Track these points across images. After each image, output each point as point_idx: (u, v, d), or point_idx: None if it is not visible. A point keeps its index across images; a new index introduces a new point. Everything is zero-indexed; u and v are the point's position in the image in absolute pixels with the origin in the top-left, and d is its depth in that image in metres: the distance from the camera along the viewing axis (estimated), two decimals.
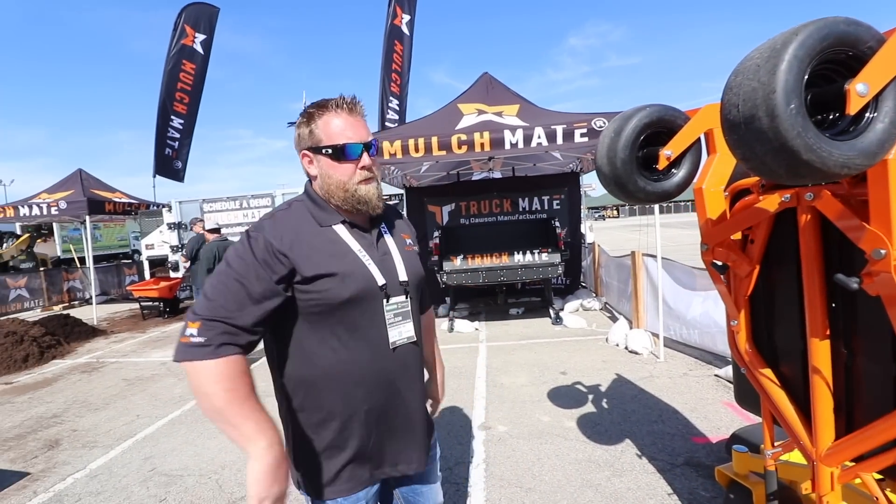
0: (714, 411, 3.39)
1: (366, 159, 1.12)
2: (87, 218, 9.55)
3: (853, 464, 1.37)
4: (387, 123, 10.88)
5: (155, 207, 11.16)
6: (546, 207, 8.09)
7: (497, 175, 8.86)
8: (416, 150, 5.33)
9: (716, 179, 1.49)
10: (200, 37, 10.46)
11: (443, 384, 1.53)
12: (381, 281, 1.12)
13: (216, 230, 6.17)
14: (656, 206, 4.57)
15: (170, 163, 10.74)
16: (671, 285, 4.83)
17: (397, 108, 11.42)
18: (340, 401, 1.10)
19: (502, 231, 7.61)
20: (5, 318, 8.43)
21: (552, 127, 5.21)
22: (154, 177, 10.74)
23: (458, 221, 8.09)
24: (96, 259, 11.64)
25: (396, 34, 11.05)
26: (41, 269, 12.78)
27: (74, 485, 3.04)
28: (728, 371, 3.92)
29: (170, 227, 10.41)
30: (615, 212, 73.05)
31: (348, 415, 1.10)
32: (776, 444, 1.70)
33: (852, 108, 0.91)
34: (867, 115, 0.93)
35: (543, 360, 4.93)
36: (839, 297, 1.34)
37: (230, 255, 1.05)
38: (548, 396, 3.92)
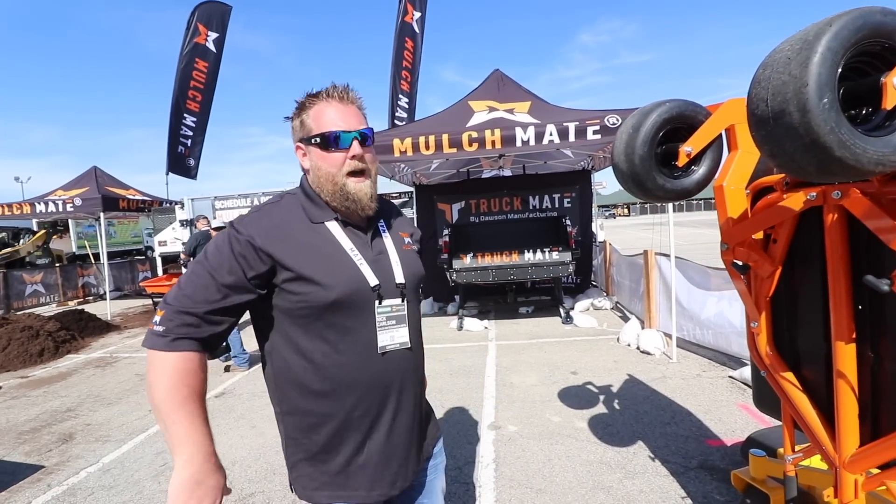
0: (728, 413, 3.33)
1: (356, 148, 1.05)
2: (102, 215, 9.68)
3: (878, 471, 1.32)
4: (395, 122, 10.87)
5: (168, 204, 11.28)
6: (557, 205, 8.02)
7: (507, 173, 8.81)
8: (427, 147, 5.31)
9: (737, 177, 1.45)
10: (213, 35, 10.53)
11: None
12: (373, 282, 1.06)
13: (222, 228, 6.27)
14: (670, 205, 4.50)
15: (182, 160, 10.84)
16: (685, 285, 4.76)
17: (406, 106, 11.40)
18: (331, 406, 1.05)
19: (512, 229, 7.56)
20: (21, 312, 8.59)
21: (564, 124, 5.15)
22: (167, 174, 10.86)
23: (468, 219, 8.06)
24: (110, 255, 11.78)
25: (407, 31, 11.02)
26: (57, 264, 12.98)
27: (87, 479, 3.07)
28: (743, 373, 3.86)
29: (182, 224, 10.51)
30: (626, 210, 72.49)
31: (339, 420, 1.06)
32: (796, 448, 1.66)
33: (889, 102, 0.87)
34: None
35: (553, 359, 4.89)
36: (866, 299, 1.30)
37: (210, 245, 1.03)
38: (558, 396, 3.88)
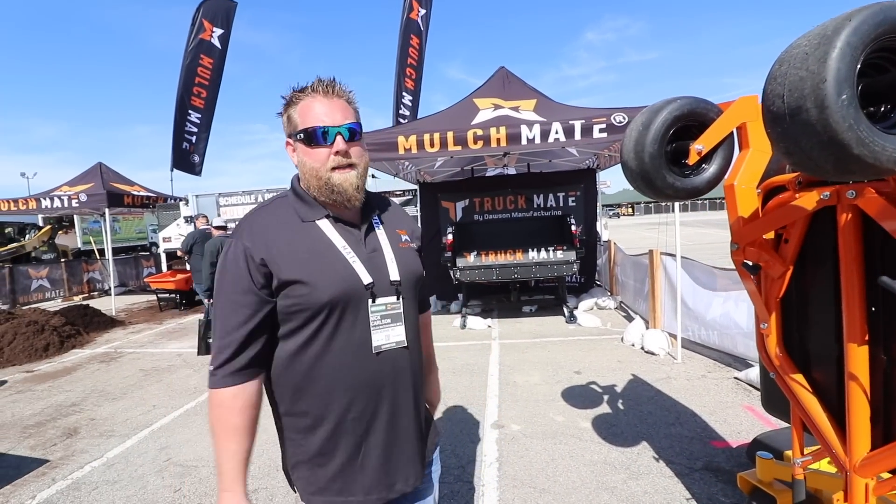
0: (734, 415, 3.31)
1: (339, 144, 1.02)
2: (107, 210, 9.70)
3: (890, 475, 1.30)
4: (399, 119, 10.86)
5: (172, 201, 11.31)
6: (561, 204, 7.99)
7: (511, 171, 8.78)
8: (432, 145, 5.29)
9: (748, 176, 1.43)
10: (218, 31, 10.52)
11: (438, 387, 1.44)
12: (366, 280, 1.05)
13: (223, 227, 6.32)
14: (676, 205, 4.47)
15: (187, 157, 10.85)
16: (690, 285, 4.74)
17: (410, 103, 11.37)
18: (326, 407, 1.04)
19: (516, 228, 7.53)
20: (27, 307, 8.63)
21: (570, 122, 5.12)
22: (172, 171, 10.86)
23: (472, 218, 8.03)
24: (115, 251, 11.85)
25: (412, 28, 10.99)
26: (62, 260, 13.06)
27: (92, 473, 3.08)
28: (749, 374, 3.83)
29: (186, 221, 10.53)
30: (630, 209, 72.24)
31: (335, 422, 1.05)
32: (805, 451, 1.64)
33: None
34: None
35: (557, 358, 4.87)
36: (880, 301, 1.28)
37: (219, 273, 1.06)
38: (562, 396, 3.87)
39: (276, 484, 2.78)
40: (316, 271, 1.02)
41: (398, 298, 1.10)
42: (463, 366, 4.80)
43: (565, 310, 6.62)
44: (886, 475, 1.31)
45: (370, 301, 1.06)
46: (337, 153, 1.03)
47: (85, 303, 9.02)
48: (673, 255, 4.78)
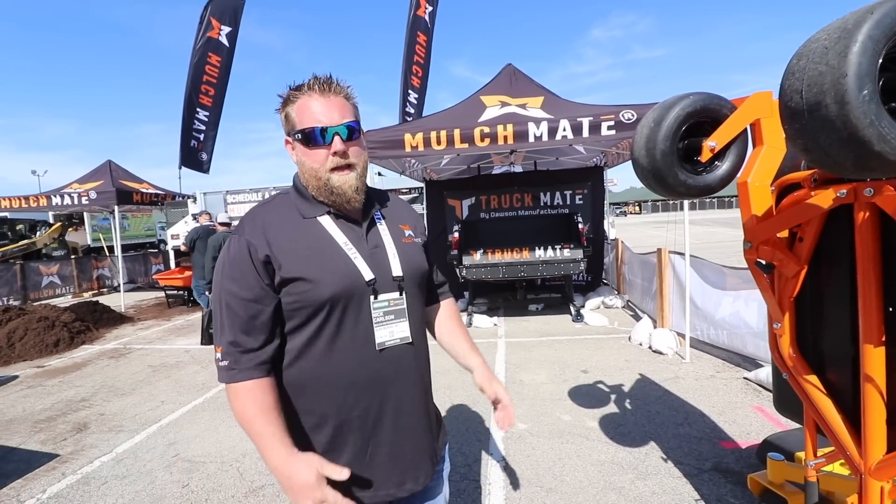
0: (743, 415, 3.27)
1: (337, 144, 1.01)
2: (116, 208, 9.78)
3: None
4: (405, 118, 10.84)
5: (180, 198, 11.39)
6: (568, 202, 7.95)
7: (518, 169, 8.74)
8: (439, 142, 5.27)
9: (762, 173, 1.40)
10: (226, 29, 10.56)
11: (487, 371, 1.25)
12: (368, 276, 1.04)
13: (227, 224, 6.51)
14: (686, 203, 4.43)
15: (195, 154, 10.90)
16: (699, 284, 4.69)
17: (415, 101, 11.35)
18: (331, 405, 1.04)
19: (523, 226, 7.51)
20: (38, 303, 8.73)
21: (578, 119, 5.08)
22: (180, 168, 10.93)
23: (479, 215, 8.01)
24: (124, 248, 11.93)
25: (419, 25, 10.96)
26: (72, 257, 13.19)
27: (101, 468, 3.11)
28: (758, 374, 3.79)
29: (194, 218, 10.59)
30: (637, 208, 71.80)
31: (340, 420, 1.05)
32: (818, 453, 1.61)
33: None
34: None
35: (564, 357, 4.85)
36: None
37: (219, 267, 1.05)
38: (568, 395, 3.85)
39: None
40: (317, 268, 1.01)
41: (401, 294, 1.09)
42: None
43: (572, 308, 6.59)
44: None
45: (372, 297, 1.05)
46: (335, 153, 1.02)
47: (94, 299, 9.11)
48: (681, 254, 4.74)
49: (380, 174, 11.91)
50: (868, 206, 1.22)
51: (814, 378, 1.50)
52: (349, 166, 1.04)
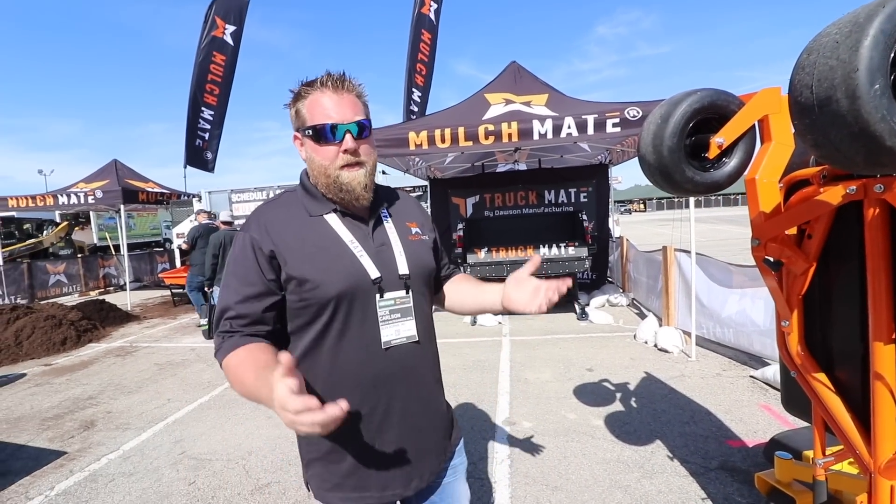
0: (750, 414, 3.26)
1: (349, 142, 1.01)
2: (122, 207, 9.84)
3: None
4: (409, 116, 10.83)
5: (185, 197, 11.44)
6: (573, 200, 7.93)
7: (522, 167, 8.73)
8: (443, 140, 5.27)
9: (770, 169, 1.38)
10: (231, 28, 10.58)
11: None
12: (374, 275, 1.04)
13: (229, 222, 6.60)
14: (692, 201, 4.40)
15: (200, 154, 10.95)
16: (705, 282, 4.67)
17: (419, 99, 11.34)
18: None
19: (527, 224, 7.49)
20: (45, 302, 8.81)
21: (583, 117, 5.06)
22: (185, 167, 10.98)
23: (483, 214, 8.01)
24: (130, 247, 12.01)
25: (424, 23, 10.94)
26: (78, 255, 13.28)
27: (108, 465, 3.13)
28: (765, 372, 3.77)
29: (193, 218, 10.66)
30: (642, 205, 71.53)
31: (346, 419, 1.05)
32: (827, 452, 1.60)
33: None
34: None
35: (568, 355, 4.84)
36: None
37: (227, 264, 1.08)
38: (573, 393, 3.84)
39: (288, 479, 2.80)
40: (323, 266, 1.01)
41: (407, 293, 1.09)
42: (474, 362, 4.80)
43: (577, 306, 6.58)
44: None
45: (378, 296, 1.05)
46: (346, 151, 1.02)
47: (101, 298, 9.17)
48: (687, 252, 4.71)
49: (384, 172, 11.92)
50: (878, 203, 1.21)
51: (822, 376, 1.49)
52: (359, 164, 1.04)
